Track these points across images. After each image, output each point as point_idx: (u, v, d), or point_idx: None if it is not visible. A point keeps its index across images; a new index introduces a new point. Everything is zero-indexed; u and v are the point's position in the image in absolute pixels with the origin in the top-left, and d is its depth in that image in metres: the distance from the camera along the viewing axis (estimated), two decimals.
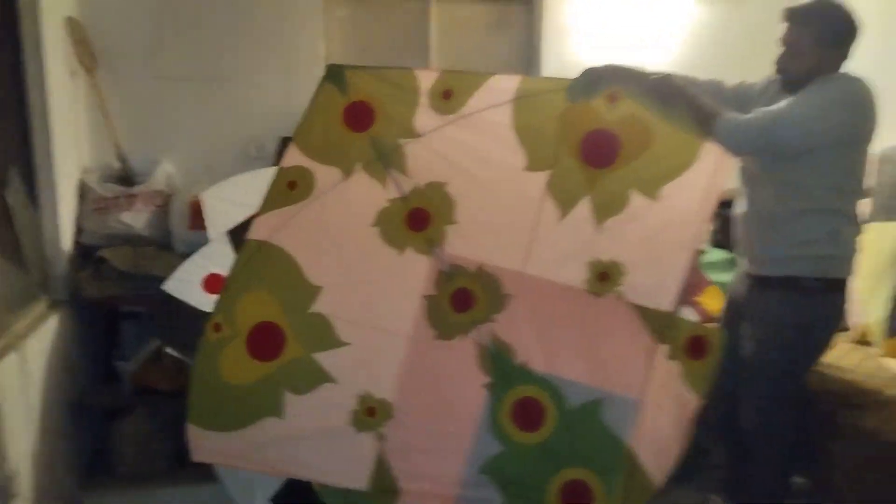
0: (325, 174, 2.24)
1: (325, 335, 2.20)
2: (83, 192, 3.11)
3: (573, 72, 3.75)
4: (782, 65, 2.13)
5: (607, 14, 3.74)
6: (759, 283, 2.20)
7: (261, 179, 2.92)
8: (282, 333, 2.19)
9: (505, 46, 3.97)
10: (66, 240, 2.95)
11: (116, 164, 3.22)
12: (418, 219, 2.25)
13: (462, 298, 2.24)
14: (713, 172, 2.20)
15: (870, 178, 2.90)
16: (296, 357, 2.18)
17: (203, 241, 2.71)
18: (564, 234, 2.23)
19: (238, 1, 3.43)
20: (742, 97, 2.29)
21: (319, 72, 3.43)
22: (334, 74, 2.29)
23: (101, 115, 3.23)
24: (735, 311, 2.33)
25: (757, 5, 3.58)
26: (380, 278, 2.26)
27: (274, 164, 3.27)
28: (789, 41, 2.10)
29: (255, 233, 2.21)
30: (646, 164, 2.22)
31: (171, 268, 2.66)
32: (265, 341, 2.18)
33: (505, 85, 2.27)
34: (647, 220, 2.21)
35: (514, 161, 2.24)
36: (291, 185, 2.24)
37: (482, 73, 2.29)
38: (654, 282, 2.21)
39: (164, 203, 3.13)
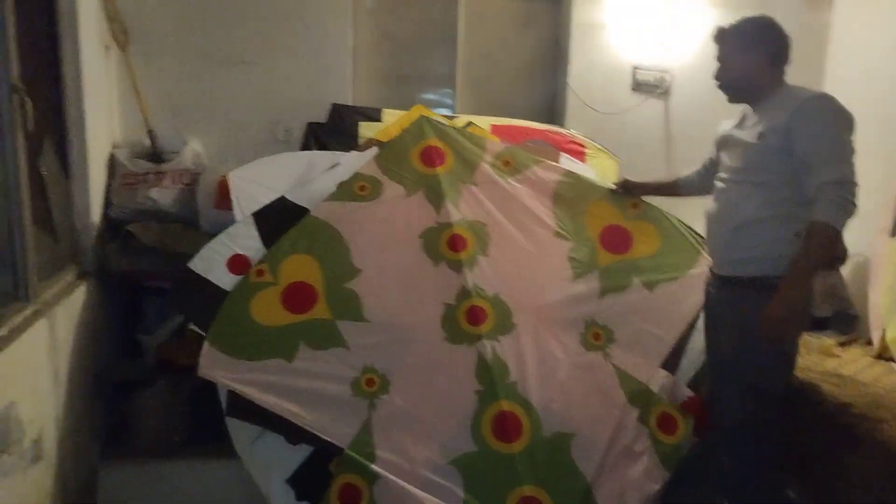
0: (391, 188, 2.78)
1: (352, 308, 2.53)
2: (113, 166, 3.16)
3: (600, 70, 3.82)
4: (718, 77, 2.36)
5: (636, 13, 3.75)
6: (726, 284, 2.29)
7: (287, 162, 3.01)
8: (315, 295, 2.55)
9: (532, 43, 4.00)
10: (96, 212, 2.99)
11: (146, 141, 3.27)
12: (458, 243, 2.66)
13: (476, 314, 2.54)
14: (702, 282, 2.58)
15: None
16: (321, 318, 2.51)
17: (228, 221, 2.75)
18: (572, 293, 2.69)
19: None
20: (712, 162, 2.56)
21: (347, 60, 3.54)
22: (422, 122, 2.97)
23: (132, 91, 3.27)
24: (709, 312, 2.44)
25: (779, 12, 3.55)
26: (412, 278, 2.62)
27: (301, 149, 3.34)
28: (720, 56, 2.35)
29: (319, 212, 2.69)
30: (649, 262, 2.77)
31: (197, 245, 2.69)
32: (299, 296, 2.53)
33: (554, 170, 2.97)
34: (641, 305, 2.69)
35: (546, 226, 2.81)
36: (362, 187, 2.76)
37: (538, 158, 2.99)
38: (635, 355, 2.60)
39: (191, 181, 3.16)
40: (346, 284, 2.56)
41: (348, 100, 3.62)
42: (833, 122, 2.09)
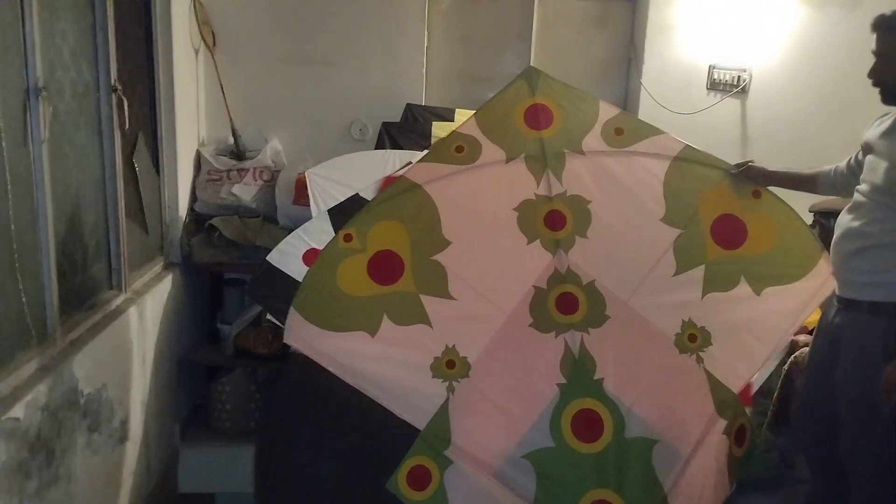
0: (490, 151, 2.53)
1: (437, 283, 2.40)
2: (198, 163, 3.33)
3: (675, 69, 3.75)
4: (876, 75, 2.06)
5: (712, 13, 3.68)
6: (847, 307, 2.13)
7: (362, 161, 3.09)
8: (402, 266, 2.41)
9: (606, 42, 3.96)
10: (182, 207, 3.17)
11: (230, 139, 3.42)
12: (555, 220, 2.47)
13: (567, 302, 2.38)
14: (816, 292, 2.41)
15: None
16: (406, 291, 2.39)
17: (305, 216, 2.84)
18: (672, 288, 2.44)
19: None
20: (858, 163, 2.26)
21: (421, 61, 3.60)
22: (530, 75, 2.64)
23: (218, 91, 3.42)
24: (827, 337, 2.25)
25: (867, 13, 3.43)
26: (503, 256, 2.46)
27: (376, 147, 3.42)
28: (880, 50, 2.04)
29: (412, 175, 2.50)
30: (763, 261, 2.46)
31: (275, 239, 2.81)
32: (385, 266, 2.40)
33: (670, 144, 2.60)
34: (745, 308, 2.42)
35: (654, 209, 2.51)
36: (459, 148, 2.53)
37: (655, 127, 2.64)
38: (731, 363, 2.38)
39: (270, 178, 3.30)
40: (433, 256, 2.42)
41: (422, 100, 3.69)
42: None
